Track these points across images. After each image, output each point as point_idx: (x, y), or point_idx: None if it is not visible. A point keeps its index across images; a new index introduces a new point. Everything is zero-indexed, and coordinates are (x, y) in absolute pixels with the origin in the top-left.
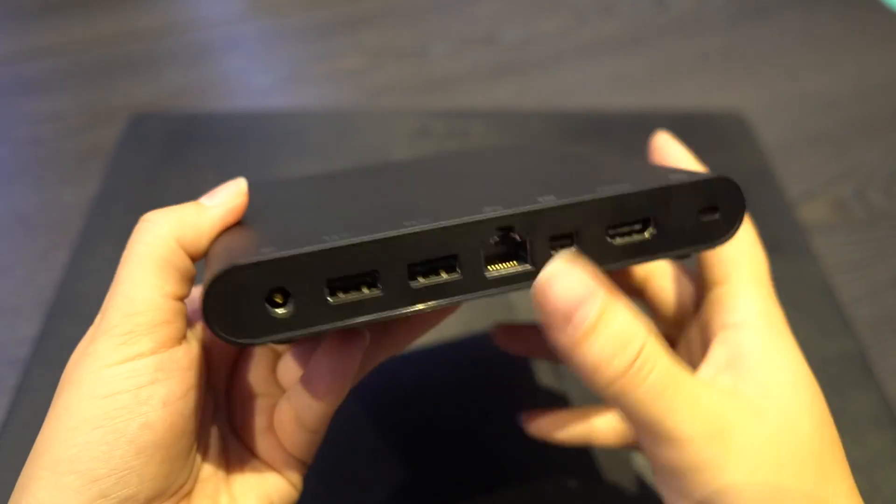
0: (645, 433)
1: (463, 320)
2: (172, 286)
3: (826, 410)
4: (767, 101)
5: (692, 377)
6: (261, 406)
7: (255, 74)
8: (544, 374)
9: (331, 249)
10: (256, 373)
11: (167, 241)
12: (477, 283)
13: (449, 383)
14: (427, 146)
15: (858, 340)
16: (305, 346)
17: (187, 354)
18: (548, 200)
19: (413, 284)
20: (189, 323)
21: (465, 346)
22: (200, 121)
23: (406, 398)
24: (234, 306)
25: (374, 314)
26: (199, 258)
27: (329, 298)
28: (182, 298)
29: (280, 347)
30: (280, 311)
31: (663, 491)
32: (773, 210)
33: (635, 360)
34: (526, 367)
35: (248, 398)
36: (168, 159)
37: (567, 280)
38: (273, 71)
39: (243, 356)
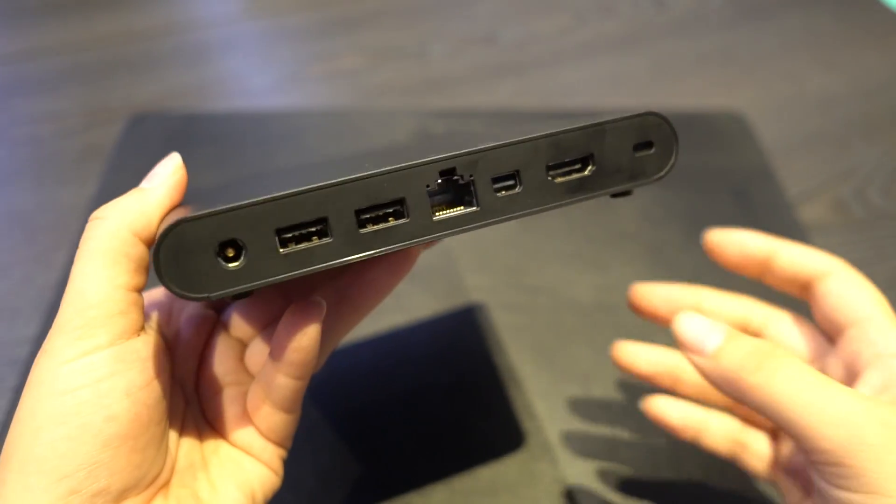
0: (798, 418)
1: (461, 320)
2: (124, 277)
3: None
4: (767, 101)
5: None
6: (232, 395)
7: (254, 74)
8: (537, 361)
9: (277, 198)
10: (224, 363)
11: (117, 231)
12: (425, 227)
13: (444, 383)
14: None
15: None
16: (273, 329)
17: (146, 345)
18: (486, 143)
19: (362, 231)
20: (147, 316)
21: (461, 346)
22: (200, 121)
23: (403, 399)
24: (185, 261)
25: (327, 262)
26: (153, 242)
27: (280, 249)
28: (137, 289)
29: (246, 336)
30: (232, 264)
31: (822, 482)
32: (773, 210)
33: (768, 356)
34: (521, 363)
35: (219, 389)
36: None
37: (695, 319)
38: (272, 71)
39: (209, 349)
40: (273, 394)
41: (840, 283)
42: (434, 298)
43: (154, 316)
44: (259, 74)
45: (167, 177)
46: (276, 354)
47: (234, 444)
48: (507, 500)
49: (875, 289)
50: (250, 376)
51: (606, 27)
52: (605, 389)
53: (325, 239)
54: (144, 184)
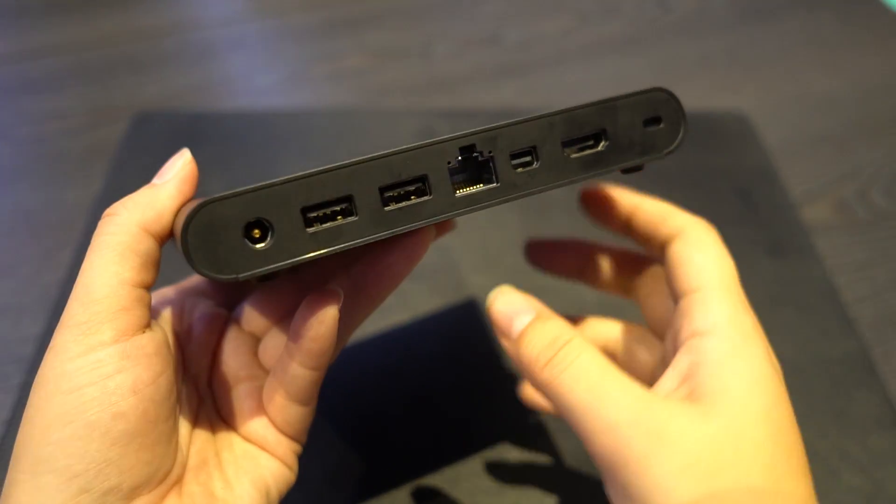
0: (577, 423)
1: (467, 320)
2: (131, 272)
3: (789, 417)
4: (770, 102)
5: (623, 375)
6: (247, 390)
7: (258, 74)
8: None
9: (302, 177)
10: (238, 358)
11: (127, 227)
12: (448, 203)
13: (450, 382)
14: None
15: (862, 341)
16: (287, 322)
17: (152, 341)
18: (503, 122)
19: (387, 209)
20: (157, 313)
21: (467, 345)
22: (204, 120)
23: (409, 397)
24: (213, 242)
25: (353, 240)
26: (166, 237)
27: (307, 229)
28: (143, 285)
29: (259, 330)
30: (259, 245)
31: (607, 491)
32: (777, 211)
33: (559, 350)
34: None
35: (233, 384)
36: None
37: (506, 297)
38: (276, 71)
39: (222, 345)
40: (289, 385)
41: (683, 246)
42: (440, 298)
43: (164, 313)
44: (263, 74)
45: (177, 171)
46: (293, 344)
47: (248, 439)
48: (513, 498)
49: (722, 254)
50: (264, 371)
51: (610, 28)
52: None
53: (350, 218)
54: (156, 180)
